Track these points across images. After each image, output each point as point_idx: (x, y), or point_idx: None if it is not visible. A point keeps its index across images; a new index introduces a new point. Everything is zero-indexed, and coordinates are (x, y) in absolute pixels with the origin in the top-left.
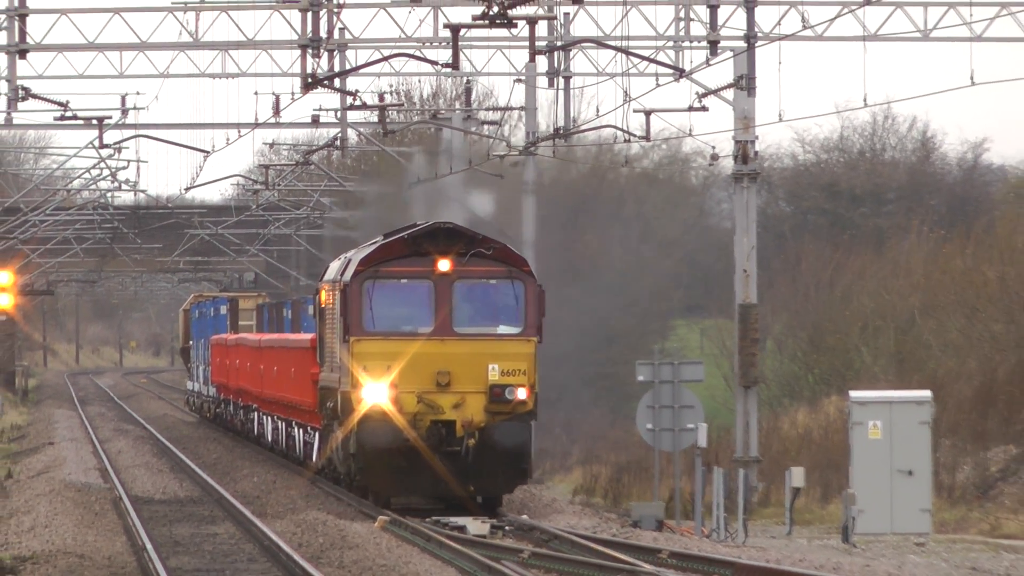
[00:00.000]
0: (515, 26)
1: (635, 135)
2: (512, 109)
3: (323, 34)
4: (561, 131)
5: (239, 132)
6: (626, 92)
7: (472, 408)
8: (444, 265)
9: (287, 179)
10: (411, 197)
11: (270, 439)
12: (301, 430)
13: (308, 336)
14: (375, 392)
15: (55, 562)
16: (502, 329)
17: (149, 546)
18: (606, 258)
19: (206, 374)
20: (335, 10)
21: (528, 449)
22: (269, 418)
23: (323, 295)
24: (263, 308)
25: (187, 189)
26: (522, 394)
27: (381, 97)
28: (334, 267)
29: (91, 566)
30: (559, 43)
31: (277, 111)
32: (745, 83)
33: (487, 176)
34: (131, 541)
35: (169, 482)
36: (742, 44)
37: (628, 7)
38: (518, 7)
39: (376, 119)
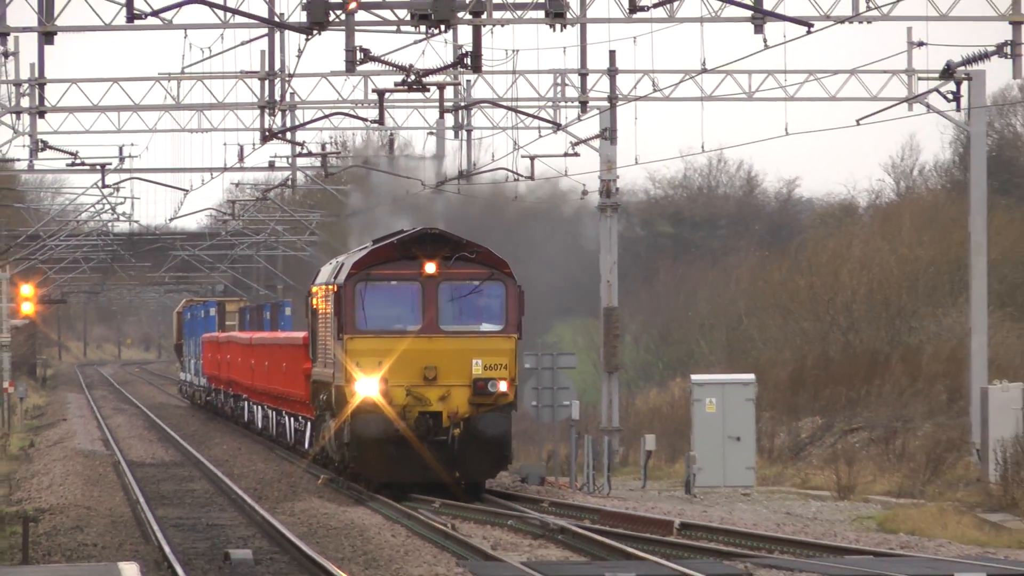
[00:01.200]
0: (428, 90)
1: (522, 176)
2: (425, 158)
3: (277, 97)
4: (464, 173)
5: (211, 175)
6: (515, 142)
7: (457, 400)
8: (431, 268)
9: (249, 211)
10: (348, 225)
11: (260, 425)
12: (292, 419)
13: (301, 334)
14: (367, 386)
15: (68, 512)
16: (485, 327)
17: (141, 499)
18: None
19: (197, 367)
20: (287, 79)
21: (509, 438)
22: (259, 407)
23: (316, 297)
24: (244, 311)
25: (171, 219)
26: (503, 387)
27: (323, 147)
28: (326, 271)
29: (96, 515)
30: (463, 103)
31: (241, 158)
32: (608, 134)
33: (407, 208)
34: (127, 496)
35: (157, 450)
36: (606, 104)
37: (516, 75)
38: (430, 76)
39: (319, 164)
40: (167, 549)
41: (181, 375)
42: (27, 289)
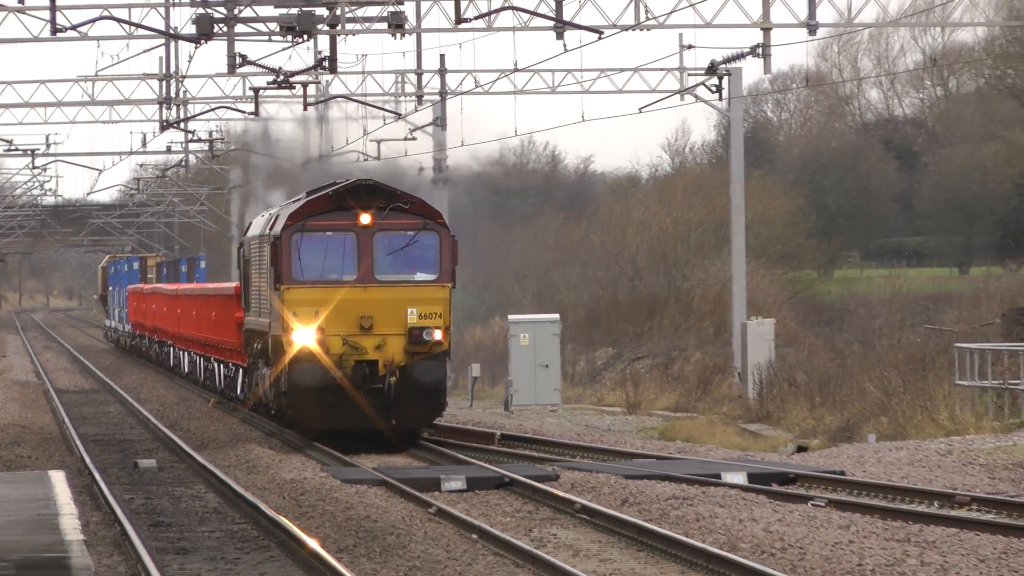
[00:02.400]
0: (294, 88)
1: (371, 156)
2: (294, 141)
3: (173, 95)
4: (324, 154)
5: (120, 157)
6: (365, 129)
7: (393, 349)
8: (365, 218)
9: (151, 187)
10: (231, 195)
11: (186, 370)
12: (222, 365)
13: (232, 284)
14: (304, 335)
15: (7, 431)
16: (419, 276)
17: (67, 419)
18: None
19: (122, 315)
20: (180, 80)
21: (444, 385)
22: (185, 352)
23: (249, 248)
24: (162, 265)
25: (88, 194)
26: (438, 335)
27: (210, 134)
28: (259, 223)
29: (30, 432)
30: (322, 98)
31: (144, 144)
32: (439, 122)
33: (279, 183)
34: (55, 417)
35: (80, 380)
36: (438, 97)
37: (365, 75)
38: (296, 76)
39: (207, 148)
40: (87, 459)
41: (106, 322)
42: None
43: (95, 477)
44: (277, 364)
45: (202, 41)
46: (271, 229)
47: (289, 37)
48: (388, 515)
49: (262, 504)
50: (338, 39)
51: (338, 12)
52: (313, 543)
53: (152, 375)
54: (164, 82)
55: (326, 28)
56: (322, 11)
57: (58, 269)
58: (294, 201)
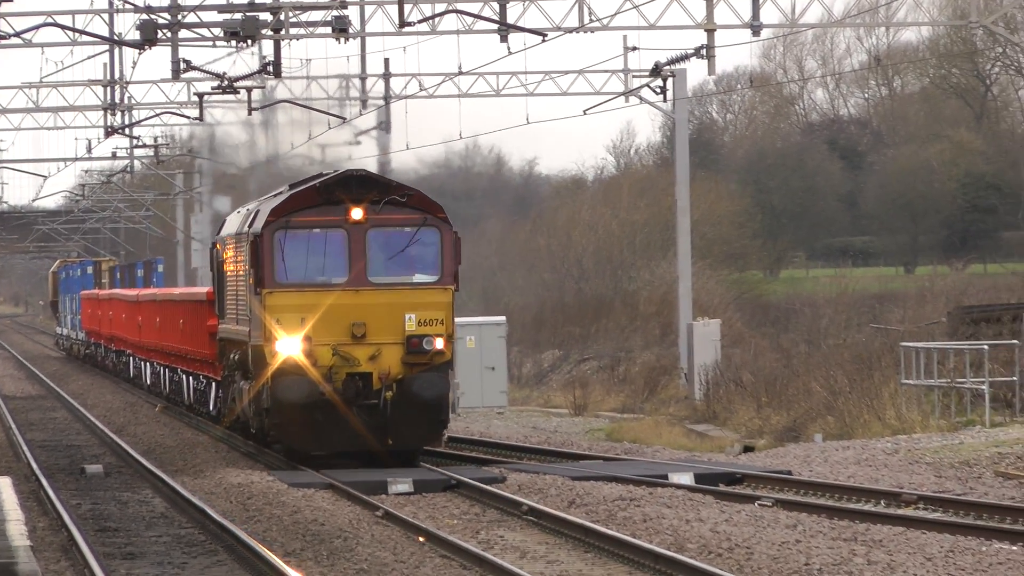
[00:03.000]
0: (239, 92)
1: (316, 160)
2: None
3: (117, 100)
4: (270, 159)
5: (65, 164)
6: (310, 133)
7: (389, 360)
8: (357, 213)
9: (96, 193)
10: (177, 201)
11: (149, 381)
12: (191, 377)
13: (203, 289)
14: (289, 345)
15: None
16: (418, 278)
17: (13, 425)
18: None
19: (74, 322)
20: (125, 85)
21: (447, 401)
22: (147, 363)
23: (224, 249)
24: (115, 269)
25: (33, 200)
26: (440, 344)
27: (155, 140)
28: (234, 220)
29: None
30: (268, 103)
31: (89, 150)
32: (384, 126)
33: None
34: (2, 423)
35: (26, 386)
36: (382, 101)
37: (310, 80)
38: (240, 81)
39: (152, 153)
40: (34, 465)
41: (58, 329)
42: None
43: (42, 483)
44: (258, 378)
45: (146, 47)
46: (250, 226)
47: (233, 42)
48: (335, 518)
49: (209, 508)
50: (282, 44)
51: (282, 17)
52: (260, 548)
53: (99, 381)
54: (108, 88)
55: (270, 33)
56: (266, 16)
57: (3, 276)
58: (275, 195)
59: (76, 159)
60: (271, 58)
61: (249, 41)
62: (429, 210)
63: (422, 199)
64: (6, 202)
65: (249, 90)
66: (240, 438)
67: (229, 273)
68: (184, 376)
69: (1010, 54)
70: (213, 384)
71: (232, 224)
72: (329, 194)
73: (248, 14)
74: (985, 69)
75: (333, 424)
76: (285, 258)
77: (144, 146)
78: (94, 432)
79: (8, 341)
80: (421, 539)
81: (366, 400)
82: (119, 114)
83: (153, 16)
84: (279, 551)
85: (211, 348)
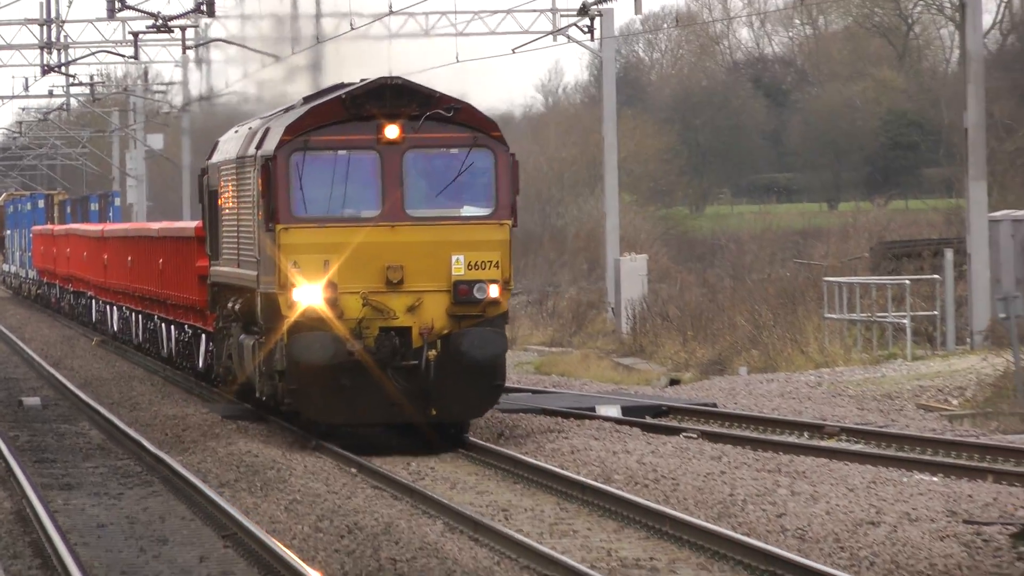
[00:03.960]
0: (173, 31)
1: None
2: (173, 84)
3: (54, 39)
4: (204, 96)
5: (3, 102)
6: (244, 72)
7: (432, 311)
8: (392, 131)
9: (34, 131)
10: (112, 138)
11: (115, 327)
12: (171, 327)
13: (192, 224)
14: (309, 294)
15: None
16: (467, 211)
17: None
18: None
19: (23, 259)
20: (60, 24)
21: (503, 361)
22: (112, 306)
23: (219, 176)
24: (66, 203)
25: None
26: (494, 292)
27: (91, 78)
28: (231, 142)
29: None
30: (202, 42)
31: (26, 88)
32: (317, 65)
33: (159, 125)
34: None
35: None
36: (315, 41)
37: (244, 19)
38: (175, 20)
39: (89, 92)
40: None
41: (4, 267)
42: None
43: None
44: (270, 333)
45: None
46: (258, 148)
47: None
48: (269, 450)
49: (145, 440)
50: None
51: None
52: (195, 479)
53: (36, 315)
54: (45, 27)
55: None
56: None
57: None
58: (286, 110)
59: (13, 97)
60: None
61: None
62: (481, 127)
63: (472, 113)
64: None
65: (183, 29)
66: (180, 373)
67: (226, 206)
68: (162, 324)
69: None
70: (203, 336)
71: (230, 147)
72: (357, 108)
73: None
74: (908, 8)
75: (363, 390)
76: (304, 186)
77: (80, 84)
78: (32, 365)
79: None
80: (353, 470)
81: (404, 361)
82: (55, 52)
83: None
84: (214, 482)
85: (200, 294)
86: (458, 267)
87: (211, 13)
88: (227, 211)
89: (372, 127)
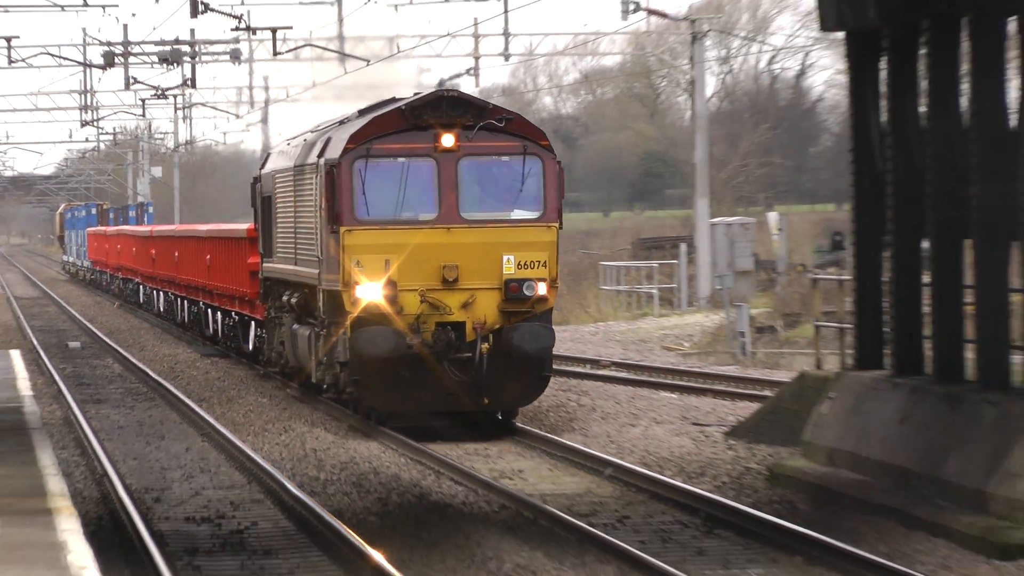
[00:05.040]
0: (168, 97)
1: (220, 142)
2: (168, 133)
3: (89, 103)
4: (189, 142)
5: (54, 145)
6: (215, 125)
7: (485, 307)
8: (448, 140)
9: (75, 164)
10: (126, 169)
11: (162, 308)
12: (219, 313)
13: (243, 226)
14: (370, 291)
15: None
16: (518, 214)
17: (21, 316)
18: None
19: (79, 252)
20: (93, 93)
21: (550, 354)
22: (158, 292)
23: (274, 183)
24: (109, 211)
25: (34, 169)
26: (542, 289)
27: (114, 129)
28: (284, 153)
29: (5, 328)
30: (188, 105)
31: (71, 136)
32: (264, 120)
33: (159, 160)
34: (14, 315)
35: (29, 290)
36: (264, 104)
37: (215, 89)
38: (169, 90)
39: (112, 138)
40: (35, 342)
41: (64, 257)
42: None
43: (40, 354)
44: (333, 327)
45: (107, 68)
46: (320, 155)
47: (164, 65)
48: (232, 376)
49: (149, 370)
50: (197, 66)
51: (196, 48)
52: (182, 395)
53: (77, 289)
54: (83, 95)
55: (189, 60)
56: (186, 48)
57: (12, 219)
58: (342, 122)
59: (62, 142)
60: (190, 75)
61: (175, 64)
62: (530, 136)
63: (523, 123)
64: (13, 169)
65: (175, 96)
66: (171, 324)
67: (283, 209)
68: (208, 309)
69: (673, 73)
70: (252, 323)
71: (283, 157)
72: (416, 118)
73: (174, 47)
74: (656, 84)
75: (421, 381)
76: (366, 191)
77: (105, 133)
78: (75, 321)
79: (19, 262)
80: (288, 389)
81: (458, 353)
82: (90, 112)
83: (112, 48)
84: (194, 398)
85: (251, 286)
86: (508, 266)
87: (193, 85)
88: (280, 214)
89: (429, 136)
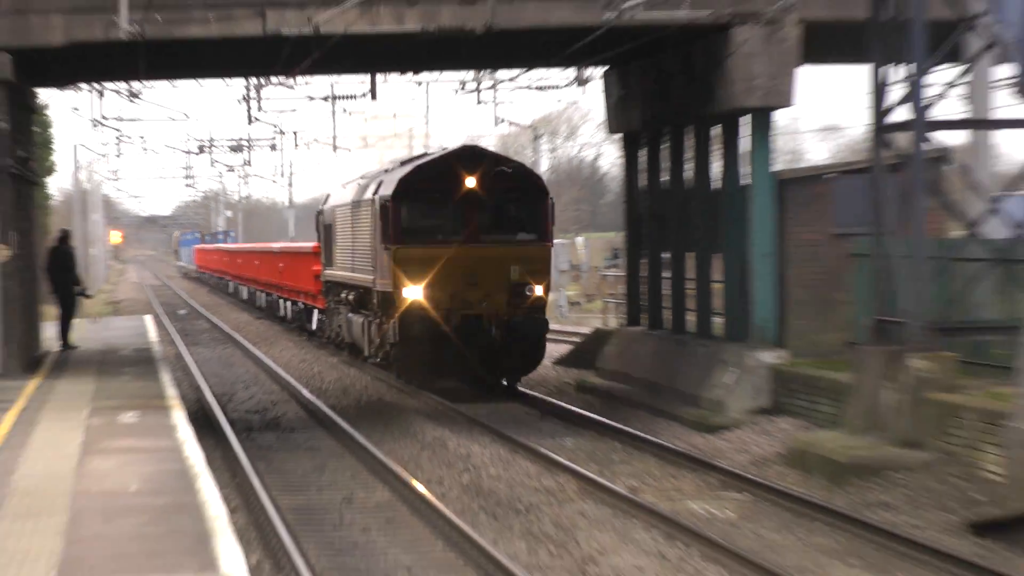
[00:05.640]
0: (233, 170)
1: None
2: (236, 192)
3: (193, 176)
4: (244, 197)
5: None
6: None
7: (497, 303)
8: (471, 182)
9: (187, 211)
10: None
11: (244, 296)
12: (288, 302)
13: (309, 244)
14: (414, 291)
15: (127, 301)
16: (521, 236)
17: (152, 296)
18: None
19: (188, 259)
20: (193, 176)
21: (544, 337)
22: (242, 286)
23: (335, 214)
24: (207, 235)
25: (168, 215)
26: (539, 290)
27: (204, 193)
28: (342, 194)
29: (137, 301)
30: (247, 175)
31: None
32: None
33: (227, 206)
34: (147, 295)
35: (157, 282)
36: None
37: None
38: (232, 171)
39: (201, 195)
40: (160, 311)
41: (177, 263)
42: (116, 235)
43: (161, 319)
44: (385, 317)
45: (200, 153)
46: (376, 193)
47: (232, 152)
48: (274, 331)
49: (226, 327)
50: (251, 152)
51: (250, 143)
52: (244, 340)
53: (185, 282)
54: (187, 168)
55: (246, 148)
56: (244, 142)
57: (147, 241)
58: (388, 170)
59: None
60: (247, 158)
61: (238, 151)
62: (529, 180)
63: (525, 171)
64: (146, 211)
65: (238, 169)
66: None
67: (340, 232)
68: (279, 299)
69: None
70: (314, 311)
71: (341, 195)
72: (447, 165)
73: (238, 141)
74: None
75: (449, 356)
76: (410, 219)
77: (199, 191)
78: (181, 298)
79: (149, 267)
80: (305, 337)
81: (477, 336)
82: (191, 178)
83: (202, 142)
84: (251, 341)
85: (314, 286)
86: (514, 274)
87: (249, 164)
88: (342, 235)
89: (457, 179)
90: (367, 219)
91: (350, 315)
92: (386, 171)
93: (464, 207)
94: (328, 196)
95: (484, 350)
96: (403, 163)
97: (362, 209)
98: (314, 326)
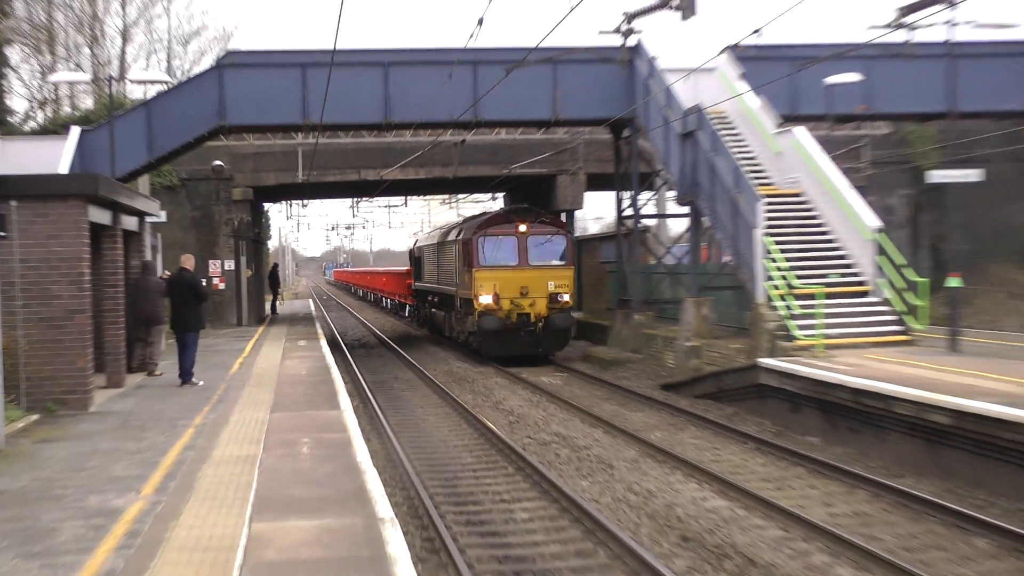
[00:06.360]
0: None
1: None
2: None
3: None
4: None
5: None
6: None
7: (540, 306)
8: (523, 227)
9: (305, 264)
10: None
11: (360, 295)
12: (390, 299)
13: (403, 268)
14: (487, 298)
15: (302, 295)
16: (554, 263)
17: (313, 295)
18: None
19: (329, 276)
20: (337, 234)
21: (571, 328)
22: (364, 291)
23: (424, 249)
24: (331, 263)
25: (313, 257)
26: (567, 298)
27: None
28: (428, 237)
29: (306, 295)
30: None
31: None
32: None
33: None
34: (315, 301)
35: (312, 291)
36: None
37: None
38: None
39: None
40: (318, 301)
41: (324, 277)
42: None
43: (320, 306)
44: (467, 315)
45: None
46: (458, 235)
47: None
48: (374, 310)
49: (350, 308)
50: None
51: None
52: (355, 313)
53: (331, 289)
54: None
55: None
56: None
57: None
58: (465, 221)
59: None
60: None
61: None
62: (559, 226)
63: (556, 220)
64: (312, 255)
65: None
66: (362, 300)
67: (428, 260)
68: (385, 297)
69: None
70: (406, 305)
71: (428, 238)
72: (508, 217)
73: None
74: None
75: (509, 339)
76: (484, 251)
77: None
78: (332, 296)
79: (312, 279)
80: (396, 318)
81: (527, 327)
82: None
83: (333, 225)
84: (360, 314)
85: (407, 292)
86: (551, 287)
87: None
88: (429, 262)
89: (514, 226)
90: (451, 251)
91: (434, 311)
92: (464, 222)
93: (519, 244)
94: (416, 241)
95: (531, 335)
96: (471, 218)
97: (447, 245)
98: (406, 313)
